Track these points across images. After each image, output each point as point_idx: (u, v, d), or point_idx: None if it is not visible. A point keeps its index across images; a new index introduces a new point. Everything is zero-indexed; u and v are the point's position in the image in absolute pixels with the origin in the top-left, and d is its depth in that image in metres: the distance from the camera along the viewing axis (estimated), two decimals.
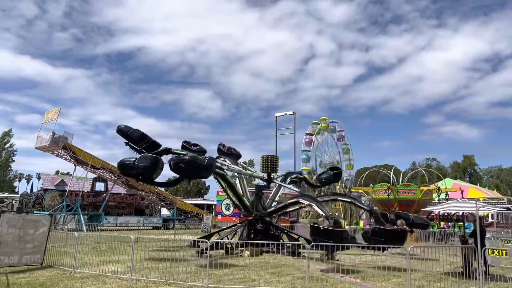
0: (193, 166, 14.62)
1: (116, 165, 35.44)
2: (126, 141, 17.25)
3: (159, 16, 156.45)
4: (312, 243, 13.75)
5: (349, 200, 19.81)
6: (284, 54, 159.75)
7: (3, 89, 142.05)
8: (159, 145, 17.91)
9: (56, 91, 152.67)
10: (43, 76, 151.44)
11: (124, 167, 15.21)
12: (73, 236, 13.46)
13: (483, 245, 11.43)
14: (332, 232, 13.60)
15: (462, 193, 34.93)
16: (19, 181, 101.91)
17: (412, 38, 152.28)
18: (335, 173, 20.42)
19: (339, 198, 20.64)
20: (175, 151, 19.16)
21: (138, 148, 17.40)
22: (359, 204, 19.97)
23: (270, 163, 20.17)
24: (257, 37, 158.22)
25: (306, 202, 17.62)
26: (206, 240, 12.80)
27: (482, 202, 26.56)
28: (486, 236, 14.04)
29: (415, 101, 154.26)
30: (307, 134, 48.33)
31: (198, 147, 21.21)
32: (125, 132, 17.14)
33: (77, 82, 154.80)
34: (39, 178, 44.28)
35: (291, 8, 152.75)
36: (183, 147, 20.22)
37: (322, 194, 20.86)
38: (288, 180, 22.78)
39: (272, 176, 20.61)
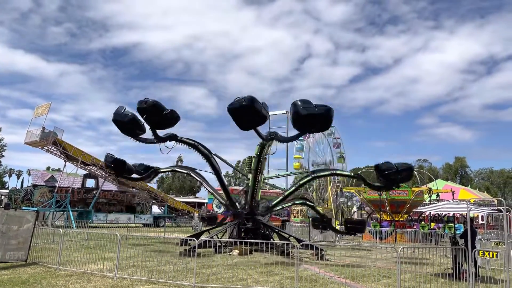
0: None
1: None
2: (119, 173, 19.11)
3: (155, 12, 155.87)
4: (302, 243, 13.64)
5: (329, 172, 20.47)
6: (280, 53, 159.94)
7: None
8: (148, 168, 19.32)
9: (49, 86, 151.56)
10: (36, 71, 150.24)
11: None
12: (59, 233, 13.20)
13: (473, 246, 11.36)
14: None
15: (453, 195, 35.04)
16: (10, 176, 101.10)
17: (409, 39, 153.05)
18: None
19: (319, 174, 20.52)
20: (162, 170, 20.37)
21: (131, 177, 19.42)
22: (340, 172, 21.59)
23: None
24: (254, 35, 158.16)
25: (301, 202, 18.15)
26: (194, 239, 12.58)
27: (473, 203, 26.62)
28: (476, 237, 14.01)
29: (409, 102, 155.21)
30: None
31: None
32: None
33: (70, 78, 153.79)
34: (29, 173, 43.91)
35: (288, 6, 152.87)
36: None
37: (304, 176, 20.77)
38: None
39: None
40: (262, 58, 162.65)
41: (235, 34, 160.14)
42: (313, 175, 20.00)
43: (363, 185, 36.32)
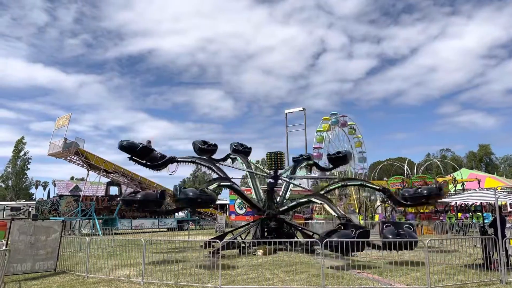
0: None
1: (129, 169, 35.68)
2: (130, 155, 17.66)
3: (167, 17, 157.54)
4: (326, 240, 13.48)
5: (359, 182, 19.05)
6: (294, 49, 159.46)
7: (17, 98, 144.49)
8: (163, 156, 18.40)
9: (69, 98, 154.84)
10: (56, 84, 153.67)
11: (128, 203, 16.71)
12: (86, 241, 13.42)
13: (503, 235, 11.05)
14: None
15: (479, 183, 34.20)
16: (36, 188, 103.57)
17: (425, 27, 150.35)
18: (342, 156, 20.51)
19: (349, 183, 19.62)
20: (179, 159, 19.09)
21: (143, 162, 17.84)
22: (369, 185, 18.81)
23: (276, 160, 19.90)
24: (267, 34, 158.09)
25: (318, 202, 17.54)
26: (218, 241, 12.61)
27: (501, 191, 25.88)
28: (506, 226, 13.62)
29: (429, 92, 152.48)
30: (315, 148, 47.31)
31: (210, 146, 20.92)
32: (128, 148, 17.50)
33: (89, 88, 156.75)
34: (54, 184, 45.04)
35: (300, 2, 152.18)
36: (197, 149, 20.21)
37: (332, 181, 19.92)
38: (298, 169, 22.37)
39: (278, 173, 20.38)
40: (277, 56, 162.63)
41: (248, 34, 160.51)
42: (342, 182, 19.34)
43: (385, 178, 35.87)
